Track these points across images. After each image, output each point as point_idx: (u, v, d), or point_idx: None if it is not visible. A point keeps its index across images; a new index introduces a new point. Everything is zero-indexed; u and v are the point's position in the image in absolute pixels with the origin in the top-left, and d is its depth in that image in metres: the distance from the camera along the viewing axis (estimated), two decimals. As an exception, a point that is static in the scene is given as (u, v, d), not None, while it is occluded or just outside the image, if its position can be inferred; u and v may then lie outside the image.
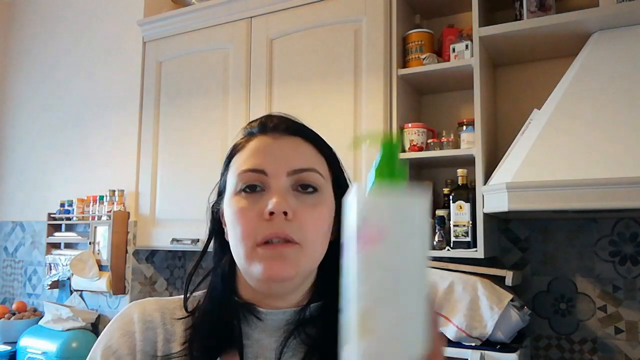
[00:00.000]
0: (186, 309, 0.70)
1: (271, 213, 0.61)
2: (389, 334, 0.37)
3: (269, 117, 0.70)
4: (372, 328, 0.36)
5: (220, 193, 0.71)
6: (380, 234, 0.37)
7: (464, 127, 1.71)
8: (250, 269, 0.63)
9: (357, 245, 0.37)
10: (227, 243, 0.67)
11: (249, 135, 0.69)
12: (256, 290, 0.66)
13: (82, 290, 2.44)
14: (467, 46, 1.70)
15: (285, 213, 0.61)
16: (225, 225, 0.68)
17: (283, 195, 0.62)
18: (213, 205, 0.72)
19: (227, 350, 0.64)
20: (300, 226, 0.62)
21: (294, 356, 0.65)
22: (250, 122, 0.71)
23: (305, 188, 0.65)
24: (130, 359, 0.66)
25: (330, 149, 0.71)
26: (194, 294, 0.72)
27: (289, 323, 0.66)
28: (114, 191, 2.33)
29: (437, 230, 1.65)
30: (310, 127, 0.71)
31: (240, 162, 0.67)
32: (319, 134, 0.71)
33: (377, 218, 0.37)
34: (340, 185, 0.70)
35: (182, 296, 0.71)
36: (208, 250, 0.74)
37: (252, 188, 0.65)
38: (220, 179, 0.71)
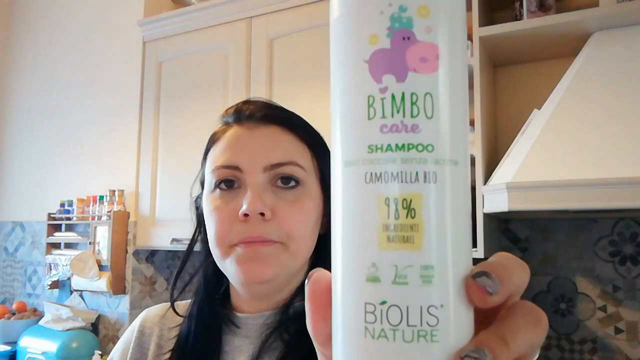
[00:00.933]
0: (178, 313, 0.67)
1: (246, 215, 0.56)
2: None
3: (244, 104, 0.64)
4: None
5: (202, 185, 0.66)
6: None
7: (464, 127, 1.71)
8: (227, 271, 0.59)
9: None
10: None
11: (225, 125, 0.64)
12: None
13: (82, 290, 2.44)
14: (467, 46, 1.69)
15: (262, 214, 0.57)
16: None
17: (259, 193, 0.57)
18: (196, 200, 0.68)
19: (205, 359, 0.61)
20: (280, 225, 0.58)
21: (272, 356, 0.60)
22: (226, 110, 0.66)
23: (286, 182, 0.59)
24: None
25: (314, 135, 0.65)
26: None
27: (268, 326, 0.62)
28: (114, 191, 2.33)
29: (437, 230, 1.65)
30: (288, 110, 0.65)
31: (214, 157, 0.62)
32: (301, 117, 0.65)
33: None
34: (326, 173, 0.62)
35: (189, 301, 0.68)
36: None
37: (228, 184, 0.60)
38: (200, 170, 0.67)
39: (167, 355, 0.64)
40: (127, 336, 0.71)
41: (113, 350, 0.71)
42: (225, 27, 2.11)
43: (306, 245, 0.61)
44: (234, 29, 2.08)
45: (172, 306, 0.67)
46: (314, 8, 1.90)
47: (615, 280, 1.65)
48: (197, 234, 0.68)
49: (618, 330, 1.63)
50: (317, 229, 0.62)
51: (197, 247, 0.68)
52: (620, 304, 1.64)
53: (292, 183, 0.60)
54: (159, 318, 0.70)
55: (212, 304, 0.64)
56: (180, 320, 0.67)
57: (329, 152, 0.67)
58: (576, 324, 1.69)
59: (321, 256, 0.64)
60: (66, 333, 2.24)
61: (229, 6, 2.09)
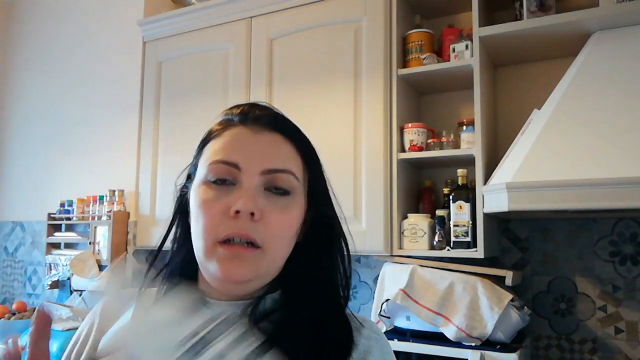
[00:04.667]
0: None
1: (237, 212, 0.58)
2: None
3: (252, 107, 0.66)
4: None
5: (189, 176, 0.67)
6: None
7: (464, 127, 1.71)
8: (207, 265, 0.61)
9: None
10: (190, 229, 0.64)
11: (227, 123, 0.65)
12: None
13: (82, 290, 2.44)
14: (467, 46, 1.70)
15: (252, 214, 0.58)
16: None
17: (253, 195, 0.59)
18: (182, 188, 0.68)
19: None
20: (265, 228, 0.60)
21: (245, 350, 0.59)
22: (231, 108, 0.67)
23: (278, 190, 0.62)
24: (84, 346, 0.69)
25: (309, 147, 0.67)
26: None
27: (239, 315, 0.62)
28: (114, 191, 2.33)
29: (437, 230, 1.65)
30: (292, 122, 0.67)
31: (213, 151, 0.63)
32: (299, 129, 0.67)
33: None
34: (314, 186, 0.67)
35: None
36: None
37: (222, 180, 0.61)
38: (192, 162, 0.68)
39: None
40: (85, 325, 0.71)
41: (68, 347, 0.71)
42: (225, 27, 2.11)
43: (283, 251, 0.63)
44: (234, 29, 2.08)
45: (140, 291, 0.67)
46: (314, 8, 1.90)
47: (615, 280, 1.65)
48: (175, 220, 0.68)
49: (618, 330, 1.63)
50: (296, 237, 0.65)
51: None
52: (620, 304, 1.64)
53: (283, 191, 0.62)
54: (123, 304, 0.70)
55: (184, 287, 0.66)
56: (149, 305, 0.67)
57: (320, 165, 0.67)
58: (576, 324, 1.69)
59: (299, 262, 0.66)
60: (66, 333, 2.23)
61: (229, 6, 2.09)
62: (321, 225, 0.67)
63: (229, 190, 0.60)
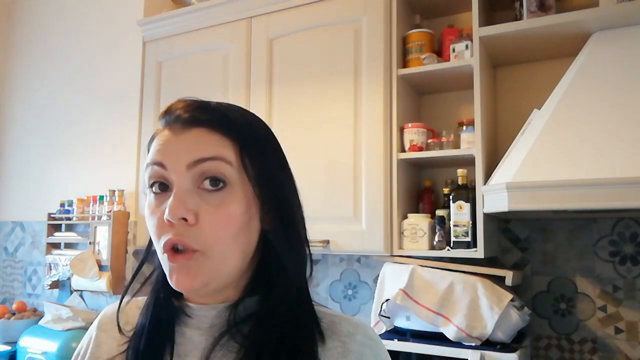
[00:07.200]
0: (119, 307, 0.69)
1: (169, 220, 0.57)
2: None
3: (173, 106, 0.63)
4: None
5: None
6: None
7: (464, 127, 1.71)
8: (167, 276, 0.60)
9: None
10: None
11: (159, 128, 0.64)
12: None
13: (82, 290, 2.44)
14: (467, 46, 1.70)
15: (185, 219, 0.57)
16: None
17: (182, 197, 0.57)
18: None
19: (158, 350, 0.63)
20: (201, 232, 0.57)
21: (226, 356, 0.60)
22: (162, 110, 0.65)
23: (213, 184, 0.58)
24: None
25: (244, 130, 0.61)
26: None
27: (220, 320, 0.62)
28: (114, 191, 2.33)
29: (437, 230, 1.65)
30: (222, 108, 0.62)
31: (148, 155, 0.64)
32: (233, 111, 0.62)
33: None
34: (259, 170, 0.61)
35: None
36: None
37: (162, 187, 0.61)
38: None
39: (124, 347, 0.66)
40: (86, 338, 0.73)
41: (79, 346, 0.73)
42: (225, 27, 2.11)
43: (231, 249, 0.59)
44: (234, 29, 2.08)
45: (120, 302, 0.69)
46: (314, 8, 1.90)
47: (615, 280, 1.65)
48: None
49: (618, 330, 1.63)
50: (249, 230, 0.61)
51: None
52: (620, 304, 1.64)
53: (220, 185, 0.58)
54: (116, 313, 0.70)
55: (167, 295, 0.66)
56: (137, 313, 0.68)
57: (269, 147, 0.63)
58: (576, 324, 1.69)
59: (271, 251, 0.63)
60: (66, 333, 2.23)
61: (229, 6, 2.09)
62: (277, 211, 0.62)
63: (167, 197, 0.59)
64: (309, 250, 0.66)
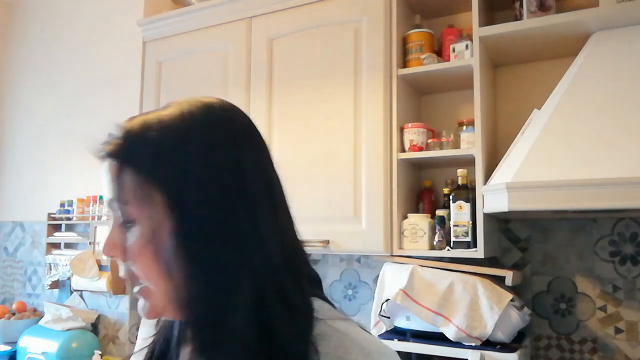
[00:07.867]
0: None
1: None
2: None
3: (107, 137, 0.60)
4: None
5: None
6: None
7: (464, 127, 1.71)
8: None
9: None
10: None
11: None
12: None
13: (82, 290, 2.44)
14: (467, 46, 1.70)
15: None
16: None
17: (112, 235, 0.58)
18: None
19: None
20: (134, 263, 0.57)
21: None
22: None
23: (125, 223, 0.57)
24: None
25: (145, 154, 0.56)
26: None
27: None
28: (114, 191, 2.32)
29: (437, 230, 1.65)
30: (126, 135, 0.57)
31: None
32: (132, 138, 0.57)
33: None
34: (171, 188, 0.55)
35: None
36: None
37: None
38: None
39: (150, 340, 0.69)
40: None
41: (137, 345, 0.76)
42: (225, 27, 2.11)
43: (163, 281, 0.56)
44: (234, 29, 2.08)
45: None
46: (314, 8, 1.90)
47: (615, 280, 1.65)
48: None
49: (618, 330, 1.63)
50: (181, 255, 0.55)
51: None
52: (620, 304, 1.64)
53: (129, 224, 0.57)
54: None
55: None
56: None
57: (182, 161, 0.55)
58: (576, 324, 1.69)
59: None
60: (66, 333, 2.24)
61: (229, 6, 2.09)
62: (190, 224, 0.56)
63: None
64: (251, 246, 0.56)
